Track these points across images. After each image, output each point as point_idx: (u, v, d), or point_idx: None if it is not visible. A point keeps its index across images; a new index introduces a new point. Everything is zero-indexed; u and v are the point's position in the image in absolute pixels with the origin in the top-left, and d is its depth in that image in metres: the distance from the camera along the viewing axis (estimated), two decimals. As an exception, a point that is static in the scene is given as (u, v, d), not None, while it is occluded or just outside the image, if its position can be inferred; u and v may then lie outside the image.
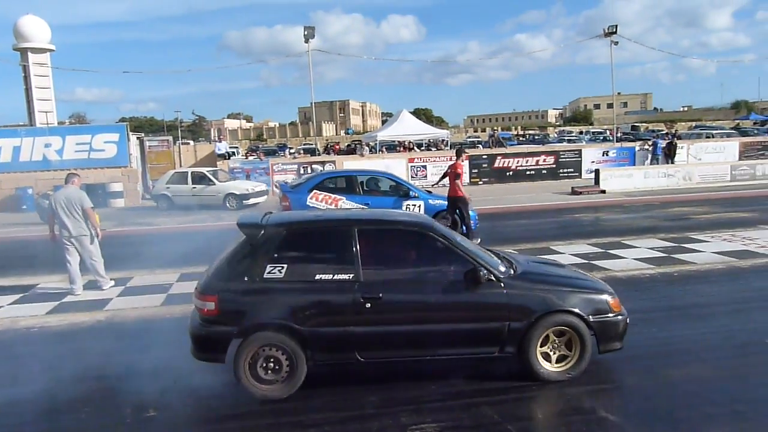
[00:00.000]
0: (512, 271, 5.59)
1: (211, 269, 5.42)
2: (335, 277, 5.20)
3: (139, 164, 25.03)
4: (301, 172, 24.24)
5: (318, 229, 5.72)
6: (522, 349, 5.30)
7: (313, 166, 24.43)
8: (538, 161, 26.52)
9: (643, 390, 5.23)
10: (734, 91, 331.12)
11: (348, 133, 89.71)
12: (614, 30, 32.05)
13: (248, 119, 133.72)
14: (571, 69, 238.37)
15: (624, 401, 5.16)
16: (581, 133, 61.48)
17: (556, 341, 5.41)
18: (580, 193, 21.43)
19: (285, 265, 5.19)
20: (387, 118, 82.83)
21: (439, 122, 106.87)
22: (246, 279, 5.16)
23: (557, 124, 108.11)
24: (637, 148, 27.85)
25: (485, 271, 5.25)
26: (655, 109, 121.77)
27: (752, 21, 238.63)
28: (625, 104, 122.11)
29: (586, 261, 10.19)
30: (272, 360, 5.14)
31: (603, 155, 27.24)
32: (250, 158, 32.76)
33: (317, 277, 5.20)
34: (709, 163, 25.56)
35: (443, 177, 13.46)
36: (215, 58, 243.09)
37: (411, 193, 13.11)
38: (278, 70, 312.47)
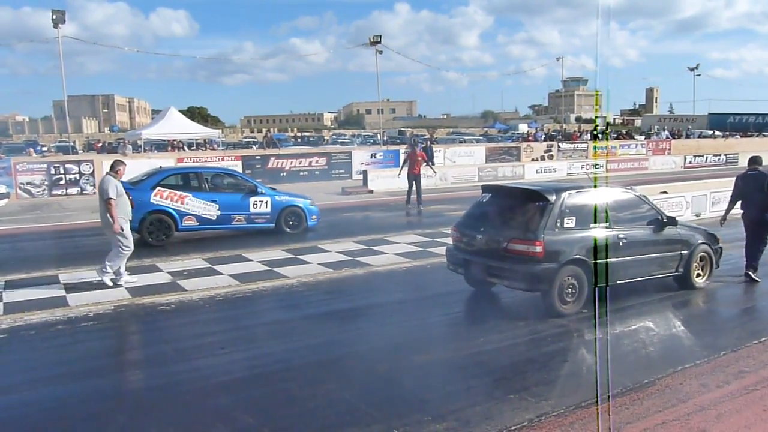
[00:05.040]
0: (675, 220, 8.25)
1: (524, 225, 7.08)
2: (600, 225, 7.26)
3: None
4: (53, 172, 21.77)
5: (581, 192, 7.52)
6: (686, 270, 8.21)
7: (66, 165, 22.09)
8: (311, 162, 27.16)
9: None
10: (483, 102, 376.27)
11: (113, 131, 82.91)
12: (378, 40, 34.16)
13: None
14: (344, 75, 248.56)
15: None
16: (354, 136, 64.30)
17: (698, 263, 8.37)
18: (350, 193, 22.46)
19: (574, 218, 7.17)
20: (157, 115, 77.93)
21: (215, 122, 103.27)
22: (556, 229, 7.03)
23: (332, 127, 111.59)
24: (401, 151, 29.94)
25: (669, 219, 7.98)
26: (419, 115, 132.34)
27: (494, 43, 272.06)
28: (394, 110, 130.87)
29: (351, 258, 10.69)
30: (571, 286, 7.09)
31: (371, 157, 28.84)
32: (-13, 157, 28.34)
33: (591, 225, 7.24)
34: (461, 165, 28.56)
35: (404, 164, 18.23)
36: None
37: (258, 189, 13.13)
38: (28, 58, 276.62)
